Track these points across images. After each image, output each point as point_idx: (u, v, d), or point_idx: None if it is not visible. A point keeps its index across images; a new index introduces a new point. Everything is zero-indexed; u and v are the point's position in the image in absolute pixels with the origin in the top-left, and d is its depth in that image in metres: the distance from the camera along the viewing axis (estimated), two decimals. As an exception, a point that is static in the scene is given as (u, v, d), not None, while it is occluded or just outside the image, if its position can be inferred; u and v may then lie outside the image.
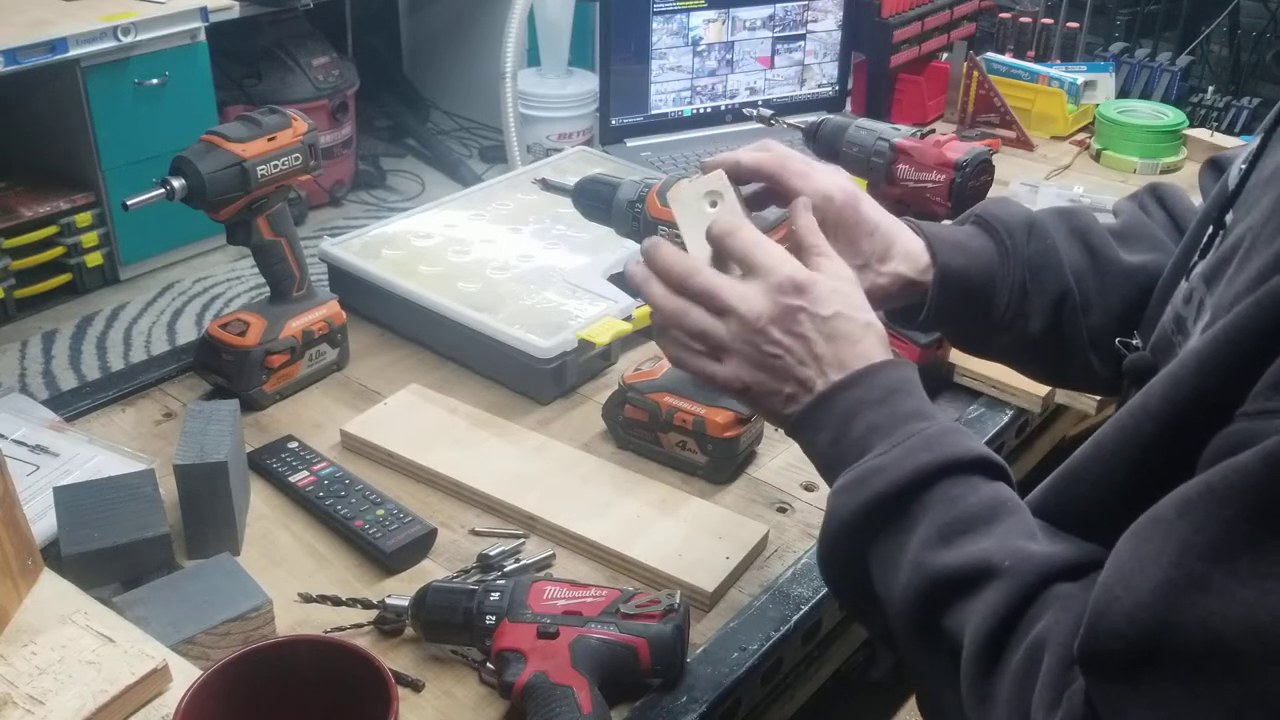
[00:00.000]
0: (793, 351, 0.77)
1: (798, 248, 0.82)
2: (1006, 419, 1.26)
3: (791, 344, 0.77)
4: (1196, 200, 0.95)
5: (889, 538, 0.71)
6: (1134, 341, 0.85)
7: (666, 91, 1.88)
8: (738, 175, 0.89)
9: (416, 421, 1.20)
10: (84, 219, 3.27)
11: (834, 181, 0.89)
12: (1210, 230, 0.73)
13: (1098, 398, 1.25)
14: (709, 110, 1.93)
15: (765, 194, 0.92)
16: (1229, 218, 0.70)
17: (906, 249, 0.89)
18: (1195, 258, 0.74)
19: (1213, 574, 0.52)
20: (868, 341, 0.78)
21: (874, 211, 0.90)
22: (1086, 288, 0.91)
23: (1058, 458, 0.94)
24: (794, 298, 0.77)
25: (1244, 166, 0.73)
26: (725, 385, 0.80)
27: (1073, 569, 0.65)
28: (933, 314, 0.90)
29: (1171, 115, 1.95)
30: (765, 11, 1.90)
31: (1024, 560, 0.66)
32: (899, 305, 0.91)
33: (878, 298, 0.88)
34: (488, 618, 0.89)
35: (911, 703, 1.93)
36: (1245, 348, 0.56)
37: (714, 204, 0.86)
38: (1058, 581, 0.65)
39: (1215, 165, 0.92)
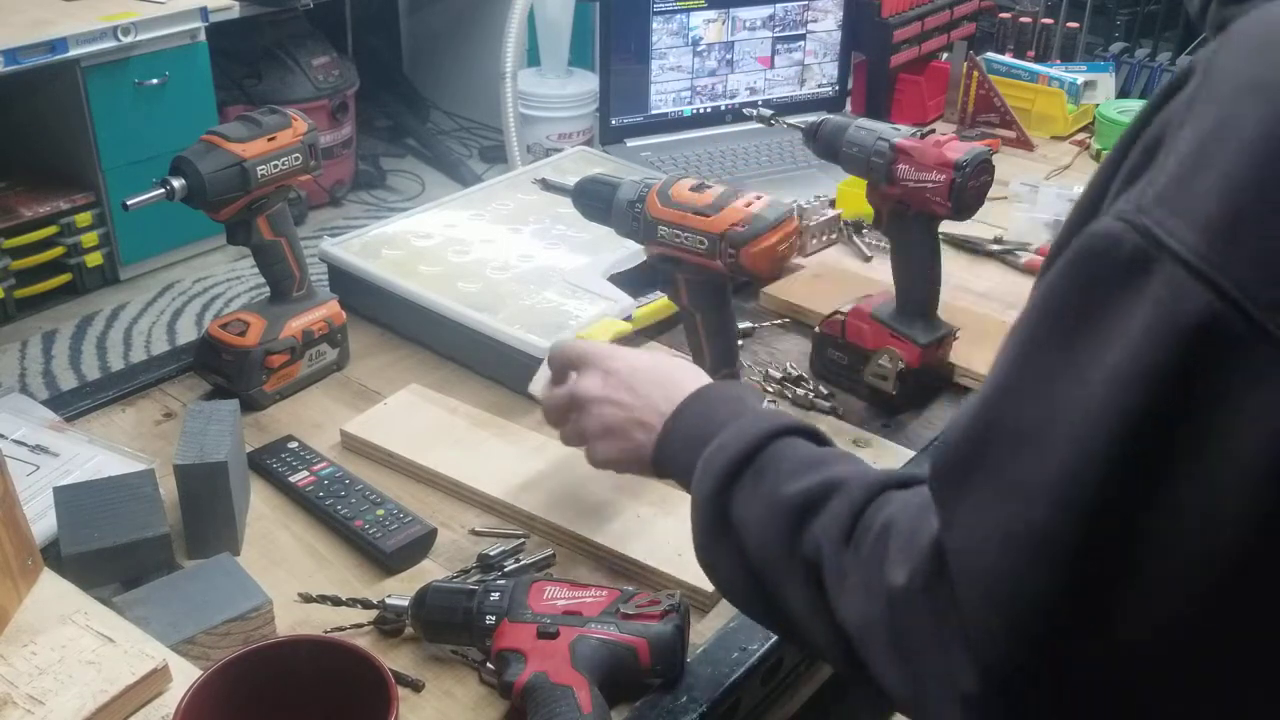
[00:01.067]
0: (621, 403, 0.92)
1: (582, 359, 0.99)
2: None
3: (620, 397, 0.92)
4: None
5: (745, 494, 0.77)
6: None
7: (666, 91, 1.88)
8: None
9: (416, 421, 1.20)
10: (84, 219, 3.27)
11: None
12: None
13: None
14: (709, 110, 1.93)
15: None
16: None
17: None
18: None
19: (1020, 374, 0.57)
20: (684, 371, 0.93)
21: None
22: None
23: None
24: (611, 363, 0.94)
25: None
26: (601, 464, 0.95)
27: (905, 480, 0.71)
28: None
29: (1171, 115, 1.95)
30: (765, 11, 1.90)
31: (862, 473, 0.73)
32: None
33: None
34: (488, 618, 0.89)
35: (911, 703, 1.93)
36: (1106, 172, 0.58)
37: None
38: (890, 489, 0.70)
39: None
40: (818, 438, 0.81)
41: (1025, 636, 0.54)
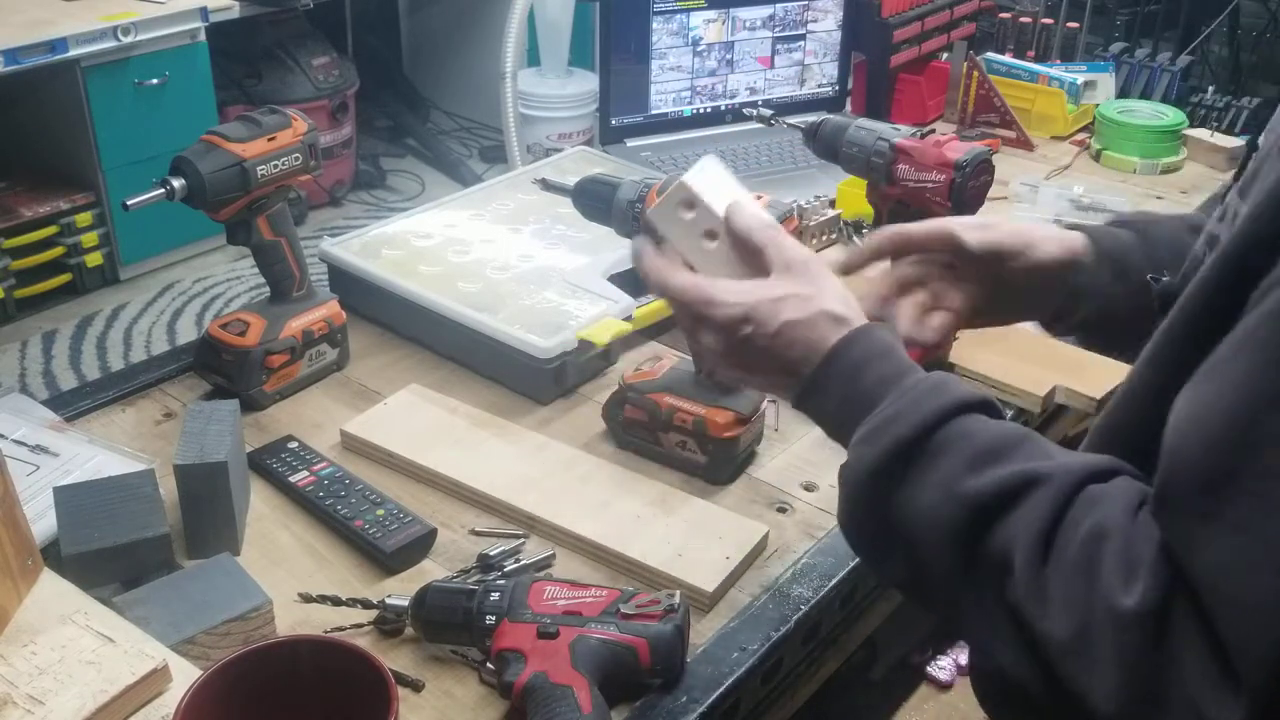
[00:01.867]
0: (762, 357, 0.82)
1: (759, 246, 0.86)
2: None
3: (757, 357, 0.82)
4: None
5: (916, 478, 0.72)
6: (1163, 275, 0.88)
7: (666, 91, 1.88)
8: (908, 247, 0.98)
9: (416, 421, 1.20)
10: (84, 219, 3.27)
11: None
12: (1245, 153, 0.78)
13: (1098, 397, 1.25)
14: (709, 110, 1.93)
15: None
16: (1261, 140, 0.73)
17: (1050, 234, 0.97)
18: (1230, 183, 0.78)
19: None
20: (847, 306, 0.83)
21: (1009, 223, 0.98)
22: None
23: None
24: (743, 327, 0.82)
25: None
26: (725, 379, 0.85)
27: (1105, 472, 0.68)
28: (1091, 284, 0.95)
29: (1171, 115, 1.95)
30: (765, 11, 1.90)
31: (1061, 467, 0.68)
32: (1056, 288, 0.97)
33: (1039, 273, 0.96)
34: (488, 618, 0.89)
35: (911, 702, 1.93)
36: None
37: (690, 207, 0.88)
38: (1093, 483, 0.67)
39: None
40: (993, 410, 0.76)
41: None
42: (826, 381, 0.80)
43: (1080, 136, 2.04)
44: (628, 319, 1.31)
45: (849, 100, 2.06)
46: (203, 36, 3.33)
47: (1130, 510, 0.64)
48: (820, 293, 0.83)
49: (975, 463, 0.71)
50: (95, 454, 1.10)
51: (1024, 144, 2.00)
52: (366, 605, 0.96)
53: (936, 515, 0.70)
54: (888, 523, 0.74)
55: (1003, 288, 0.98)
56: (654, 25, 1.82)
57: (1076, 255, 0.96)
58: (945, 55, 2.14)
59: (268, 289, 1.28)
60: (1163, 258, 0.94)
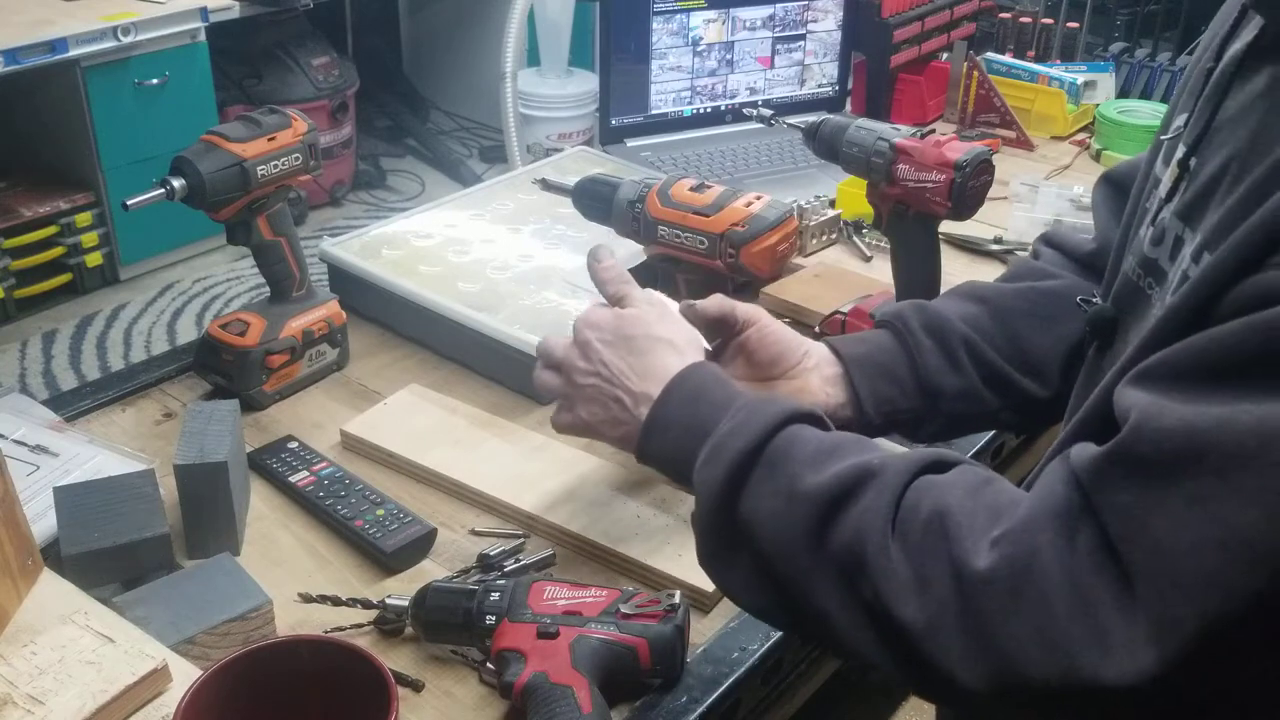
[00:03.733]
0: (599, 373, 0.87)
1: (610, 297, 0.94)
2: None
3: (598, 367, 0.87)
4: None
5: (758, 488, 0.74)
6: (1094, 299, 0.90)
7: (666, 91, 1.88)
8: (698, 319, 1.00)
9: (417, 421, 1.20)
10: (84, 219, 3.27)
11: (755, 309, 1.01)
12: (1176, 175, 0.77)
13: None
14: (709, 110, 1.93)
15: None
16: (1193, 162, 0.75)
17: (820, 356, 0.99)
18: (1156, 206, 0.79)
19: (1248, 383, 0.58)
20: (663, 352, 0.87)
21: (785, 332, 1.00)
22: (983, 326, 0.99)
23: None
24: (586, 332, 0.89)
25: (1180, 120, 0.80)
26: (571, 428, 0.91)
27: (936, 463, 0.71)
28: (867, 405, 0.97)
29: (1171, 115, 1.95)
30: (765, 11, 1.90)
31: (892, 459, 0.72)
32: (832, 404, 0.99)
33: (797, 379, 0.98)
34: (488, 618, 0.89)
35: (911, 703, 1.93)
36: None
37: None
38: (927, 473, 0.70)
39: (1110, 181, 1.05)
40: (822, 423, 0.79)
41: (1216, 634, 0.56)
42: (666, 414, 0.83)
43: (1080, 136, 2.04)
44: (628, 319, 1.31)
45: (849, 100, 2.05)
46: (203, 36, 3.33)
47: (971, 489, 0.66)
48: (662, 318, 0.89)
49: (813, 463, 0.73)
50: (95, 454, 1.10)
51: (1024, 144, 2.00)
52: (366, 605, 0.96)
53: (780, 520, 0.72)
54: (739, 542, 0.75)
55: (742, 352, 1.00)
56: (654, 25, 1.82)
57: (821, 363, 0.98)
58: (945, 55, 2.14)
59: (268, 289, 1.28)
60: (924, 344, 0.98)
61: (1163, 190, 0.78)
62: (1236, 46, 0.75)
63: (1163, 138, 0.84)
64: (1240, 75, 0.73)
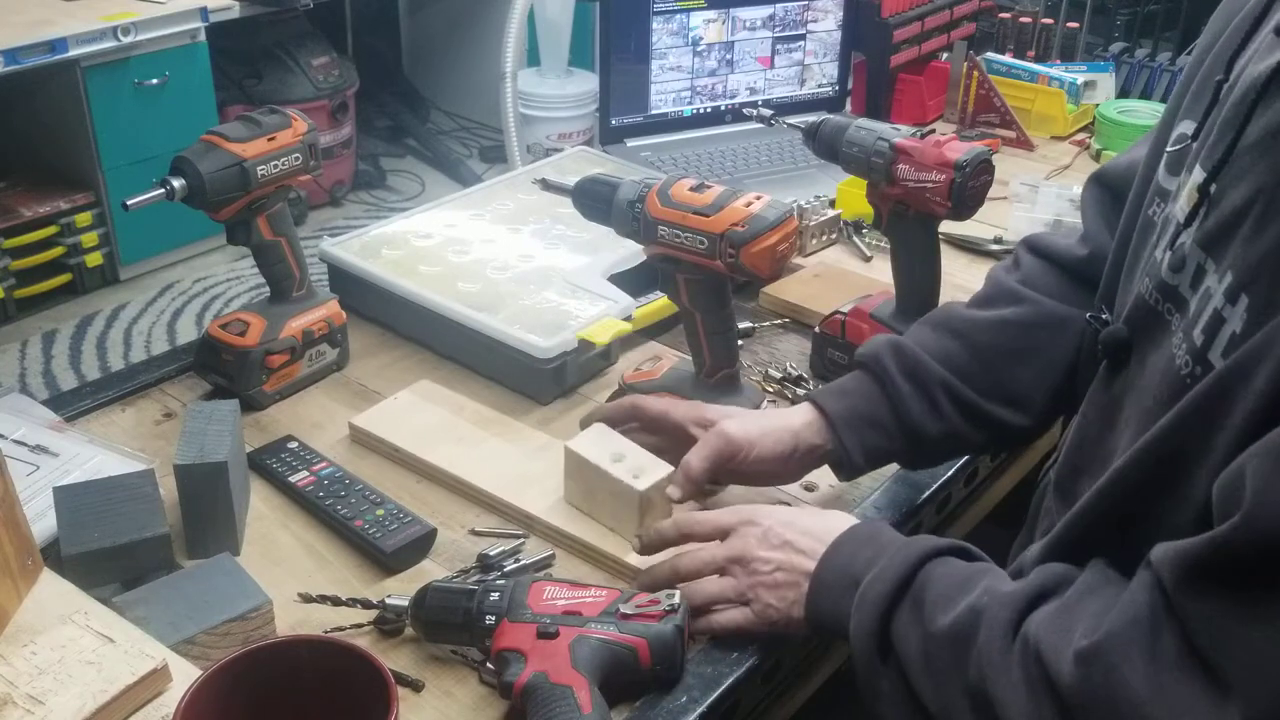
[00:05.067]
0: (784, 562, 0.90)
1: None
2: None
3: (776, 555, 0.90)
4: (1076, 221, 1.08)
5: (904, 628, 0.79)
6: (1104, 315, 0.90)
7: (666, 91, 1.88)
8: (640, 418, 1.08)
9: (424, 418, 1.20)
10: (84, 219, 3.27)
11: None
12: (1195, 201, 0.75)
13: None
14: (709, 110, 1.93)
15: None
16: (1213, 188, 0.74)
17: (772, 428, 1.02)
18: (1174, 230, 0.77)
19: None
20: (831, 515, 0.93)
21: (759, 419, 1.04)
22: (960, 365, 1.02)
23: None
24: (759, 520, 0.92)
25: (1192, 139, 0.79)
26: (765, 620, 0.91)
27: (1043, 592, 0.74)
28: (854, 453, 1.01)
29: (1171, 115, 1.95)
30: (765, 11, 1.90)
31: (997, 594, 0.75)
32: (824, 463, 1.04)
33: (796, 471, 1.04)
34: (488, 618, 0.89)
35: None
36: None
37: (617, 459, 1.03)
38: (1034, 607, 0.73)
39: (1100, 184, 1.06)
40: (968, 554, 0.82)
41: None
42: (831, 568, 0.87)
43: (1080, 136, 2.04)
44: (628, 319, 1.31)
45: (849, 100, 2.05)
46: (203, 36, 3.33)
47: (1064, 609, 0.70)
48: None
49: (944, 601, 0.77)
50: (95, 454, 1.10)
51: (1024, 144, 2.00)
52: (366, 605, 0.96)
53: (926, 659, 0.77)
54: (893, 676, 0.80)
55: (737, 476, 1.05)
56: (654, 25, 1.82)
57: (804, 443, 1.02)
58: (945, 55, 2.13)
59: (268, 289, 1.28)
60: (906, 390, 1.01)
61: (1180, 214, 0.77)
62: (1259, 68, 0.72)
63: (1169, 149, 0.83)
64: (1265, 100, 0.71)
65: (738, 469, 1.02)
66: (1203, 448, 0.67)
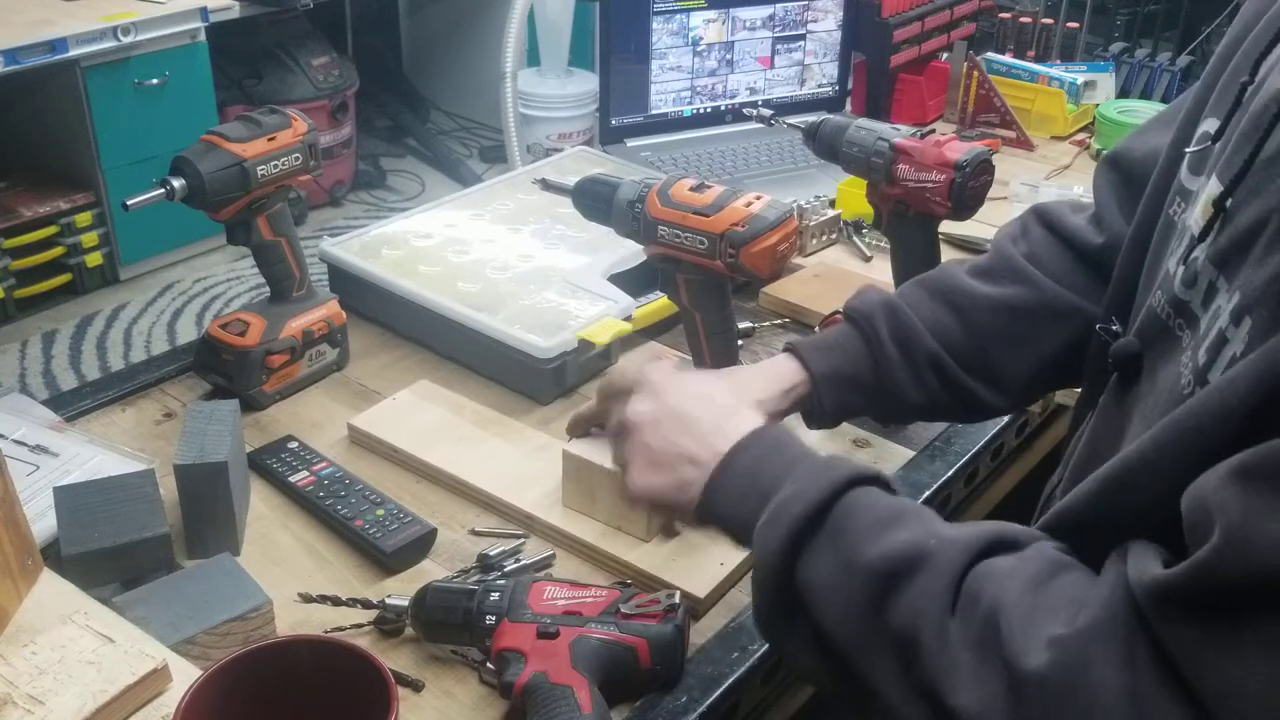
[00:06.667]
0: (670, 435, 0.86)
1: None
2: (1006, 419, 1.26)
3: (669, 428, 0.86)
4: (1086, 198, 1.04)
5: (817, 555, 0.74)
6: (1114, 326, 0.87)
7: (666, 91, 1.88)
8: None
9: (423, 418, 1.20)
10: (84, 219, 3.27)
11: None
12: (1210, 215, 0.73)
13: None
14: (709, 110, 1.93)
15: None
16: (1229, 202, 0.71)
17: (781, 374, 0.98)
18: (1188, 243, 0.75)
19: None
20: (740, 410, 0.87)
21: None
22: (953, 340, 0.99)
23: (1056, 460, 0.95)
24: (665, 386, 0.89)
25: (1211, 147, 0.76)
26: (640, 493, 0.88)
27: (1000, 543, 0.70)
28: (830, 411, 0.98)
29: (1171, 115, 1.95)
30: (765, 11, 1.90)
31: (951, 540, 0.70)
32: (799, 411, 0.99)
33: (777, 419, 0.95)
34: (488, 618, 0.89)
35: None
36: None
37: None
38: (989, 556, 0.69)
39: (1116, 167, 1.00)
40: (887, 485, 0.78)
41: None
42: (730, 478, 0.83)
43: (1080, 136, 2.04)
44: (628, 319, 1.31)
45: (849, 100, 2.05)
46: (203, 36, 3.33)
47: (1034, 583, 0.65)
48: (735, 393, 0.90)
49: (873, 532, 0.72)
50: (95, 454, 1.10)
51: (1024, 144, 2.00)
52: (366, 605, 0.96)
53: (838, 591, 0.71)
54: (797, 609, 0.74)
55: None
56: (654, 25, 1.82)
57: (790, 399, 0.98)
58: (945, 55, 2.13)
59: (268, 289, 1.28)
60: (892, 354, 0.98)
61: (1195, 226, 0.75)
62: None
63: (1192, 149, 0.80)
64: None
65: None
66: (1177, 466, 0.64)
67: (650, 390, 0.90)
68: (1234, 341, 0.65)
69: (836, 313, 1.31)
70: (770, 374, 0.97)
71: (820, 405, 0.98)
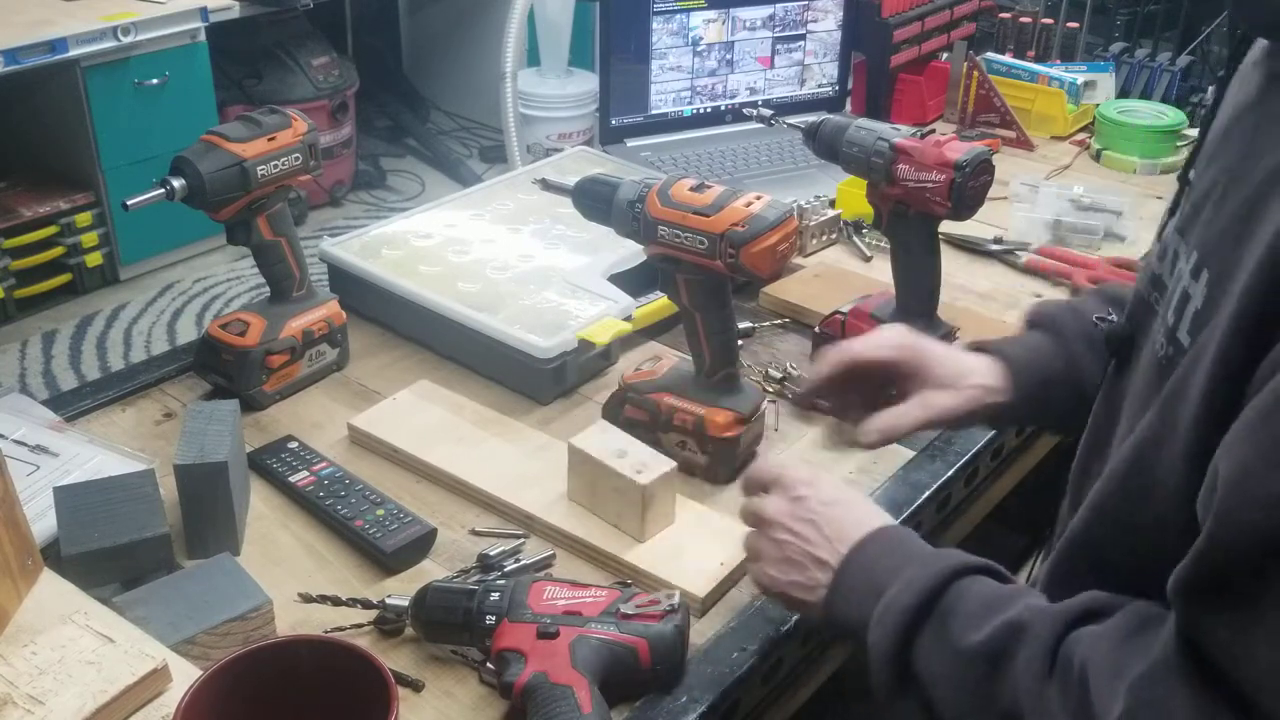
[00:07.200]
0: (802, 535, 0.86)
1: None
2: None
3: (801, 529, 0.87)
4: None
5: (928, 647, 0.76)
6: (1109, 315, 0.91)
7: (666, 91, 1.88)
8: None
9: (423, 418, 1.20)
10: (84, 219, 3.27)
11: (896, 334, 1.04)
12: (1177, 190, 0.77)
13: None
14: (709, 110, 1.93)
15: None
16: (1192, 174, 0.75)
17: (976, 367, 1.00)
18: (1163, 221, 0.79)
19: None
20: (866, 510, 0.89)
21: (938, 346, 1.03)
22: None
23: (1057, 460, 0.95)
24: (801, 489, 0.89)
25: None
26: (767, 589, 0.89)
27: (1086, 614, 0.71)
28: (1022, 406, 0.99)
29: (1171, 115, 1.95)
30: (765, 11, 1.89)
31: (1043, 612, 0.72)
32: (984, 417, 1.01)
33: (963, 413, 0.99)
34: (488, 618, 0.89)
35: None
36: None
37: (620, 455, 1.04)
38: (1077, 626, 0.70)
39: None
40: (1000, 575, 0.79)
41: None
42: (847, 582, 0.84)
43: (1080, 136, 2.04)
44: (628, 319, 1.31)
45: (849, 100, 2.05)
46: (203, 36, 3.32)
47: (1124, 636, 0.66)
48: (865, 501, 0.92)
49: (976, 619, 0.73)
50: (95, 454, 1.10)
51: (1024, 144, 2.00)
52: (366, 605, 0.96)
53: (951, 680, 0.73)
54: (914, 697, 0.76)
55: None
56: (654, 25, 1.82)
57: (1002, 385, 0.99)
58: (945, 55, 2.13)
59: (268, 289, 1.28)
60: (1082, 352, 0.98)
61: (1169, 204, 0.79)
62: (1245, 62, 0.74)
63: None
64: (1237, 85, 0.73)
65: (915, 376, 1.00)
66: (1171, 434, 0.66)
67: (790, 487, 0.90)
68: (1195, 297, 0.68)
69: (837, 313, 1.32)
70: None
71: (1017, 392, 0.99)
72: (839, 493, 0.90)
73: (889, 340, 1.02)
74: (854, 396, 1.03)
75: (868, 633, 0.79)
